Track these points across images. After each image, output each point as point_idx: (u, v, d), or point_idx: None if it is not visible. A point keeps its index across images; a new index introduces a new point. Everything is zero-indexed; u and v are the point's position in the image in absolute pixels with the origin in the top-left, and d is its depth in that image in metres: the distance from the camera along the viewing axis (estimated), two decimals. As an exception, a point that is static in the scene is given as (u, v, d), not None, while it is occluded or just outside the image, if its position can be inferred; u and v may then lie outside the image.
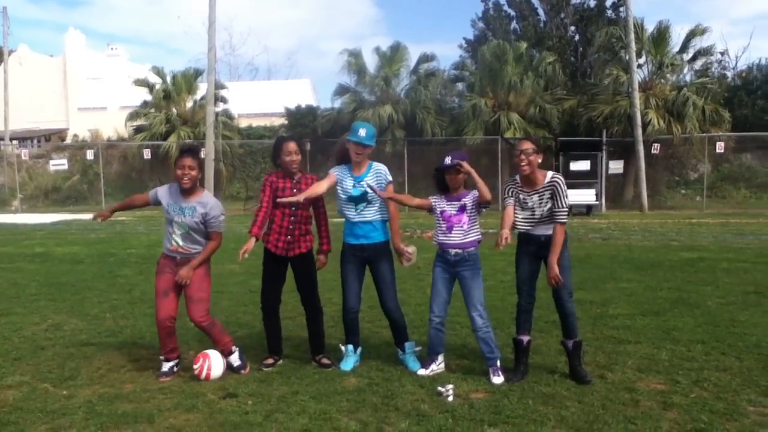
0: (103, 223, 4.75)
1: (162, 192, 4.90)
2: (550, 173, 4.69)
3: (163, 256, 4.90)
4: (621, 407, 4.16)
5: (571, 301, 4.77)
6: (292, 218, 4.95)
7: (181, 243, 4.81)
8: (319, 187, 4.88)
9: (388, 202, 4.95)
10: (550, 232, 4.65)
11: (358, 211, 4.89)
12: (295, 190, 4.94)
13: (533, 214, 4.68)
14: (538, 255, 4.74)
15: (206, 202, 4.83)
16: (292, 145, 4.98)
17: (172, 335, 4.85)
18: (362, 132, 4.85)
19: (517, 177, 4.76)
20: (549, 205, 4.62)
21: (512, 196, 4.75)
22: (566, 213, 4.65)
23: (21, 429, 3.87)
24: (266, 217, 4.94)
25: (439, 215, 4.80)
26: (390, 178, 5.01)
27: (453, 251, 4.75)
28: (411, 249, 5.02)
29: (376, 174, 4.93)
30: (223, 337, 4.97)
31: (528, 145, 4.63)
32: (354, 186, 4.87)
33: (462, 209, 4.75)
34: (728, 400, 4.26)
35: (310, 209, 5.08)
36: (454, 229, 4.74)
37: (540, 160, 4.67)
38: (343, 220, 5.03)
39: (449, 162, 4.73)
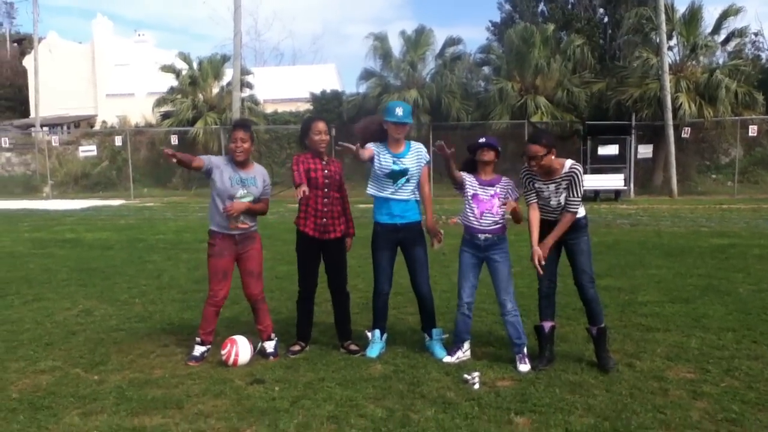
0: (171, 161, 4.67)
1: (218, 161, 4.86)
2: (568, 163, 4.62)
3: (220, 238, 4.85)
4: (650, 396, 4.12)
5: (593, 286, 4.72)
6: (326, 200, 4.94)
7: (242, 218, 4.83)
8: (363, 154, 4.80)
9: (423, 182, 4.96)
10: None
11: (398, 187, 4.87)
12: (326, 171, 4.94)
13: (549, 203, 4.64)
14: (560, 241, 4.69)
15: (261, 171, 4.97)
16: (321, 125, 5.01)
17: (217, 316, 4.98)
18: (399, 111, 4.84)
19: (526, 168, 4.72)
20: (565, 194, 4.57)
21: (532, 190, 4.68)
22: (579, 203, 4.60)
23: (54, 413, 3.95)
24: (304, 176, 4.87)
25: (471, 198, 4.75)
26: (429, 157, 5.05)
27: (483, 236, 4.72)
28: (442, 231, 5.04)
29: (417, 153, 4.96)
30: (267, 318, 5.07)
31: (536, 150, 4.52)
32: (394, 162, 4.85)
33: (494, 195, 4.73)
34: (760, 389, 4.19)
35: (339, 191, 5.08)
36: (485, 214, 4.71)
37: (554, 155, 4.58)
38: (370, 205, 5.02)
39: (483, 141, 4.75)
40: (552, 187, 4.61)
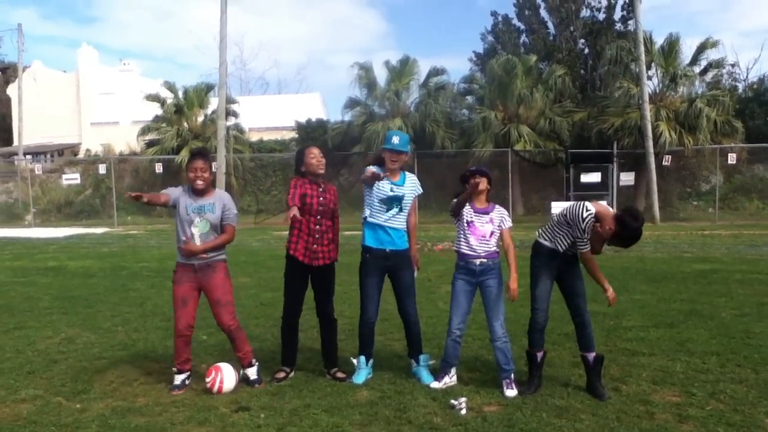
0: (132, 201, 4.72)
1: (178, 192, 4.89)
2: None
3: (180, 267, 4.89)
4: (636, 420, 4.12)
5: (588, 311, 4.76)
6: (318, 227, 4.96)
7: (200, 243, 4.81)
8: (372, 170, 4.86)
9: (410, 212, 5.03)
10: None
11: (391, 215, 4.90)
12: (321, 198, 4.96)
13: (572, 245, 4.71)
14: (559, 269, 4.73)
15: (221, 196, 4.95)
16: (316, 150, 5.07)
17: (188, 345, 4.88)
18: (396, 139, 4.92)
19: (593, 209, 4.54)
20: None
21: (587, 236, 4.59)
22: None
23: (35, 442, 3.88)
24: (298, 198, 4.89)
25: (466, 226, 4.79)
26: (421, 190, 5.13)
27: (478, 261, 4.74)
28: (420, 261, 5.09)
29: (412, 183, 5.04)
30: (245, 345, 5.01)
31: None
32: (391, 188, 4.90)
33: (489, 222, 4.78)
34: (745, 412, 4.21)
35: (332, 219, 5.10)
36: (481, 241, 4.75)
37: None
38: (356, 232, 5.03)
39: (472, 169, 4.83)
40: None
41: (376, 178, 4.78)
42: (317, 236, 4.95)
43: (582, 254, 4.65)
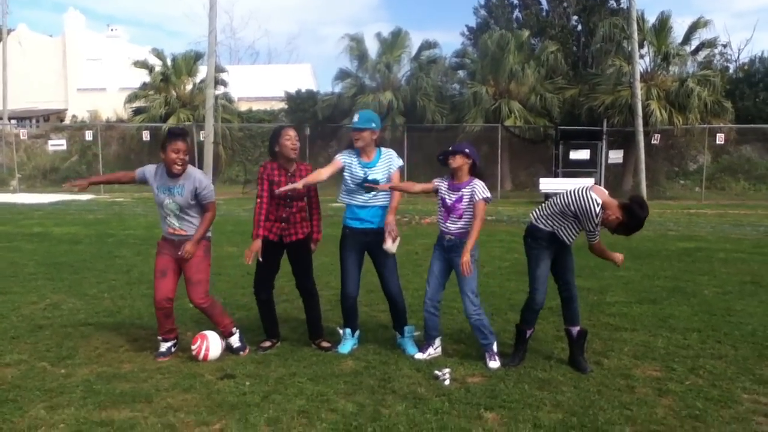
0: (78, 192, 4.71)
1: (149, 172, 4.79)
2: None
3: (163, 238, 4.89)
4: (616, 393, 4.19)
5: (576, 286, 4.80)
6: (287, 209, 4.93)
7: (177, 224, 4.79)
8: (320, 175, 4.84)
9: (394, 178, 4.98)
10: None
11: (370, 196, 4.87)
12: (290, 183, 4.90)
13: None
14: (556, 250, 4.72)
15: (192, 176, 4.75)
16: (292, 132, 4.98)
17: (169, 316, 4.85)
18: (356, 117, 4.88)
19: (599, 199, 4.46)
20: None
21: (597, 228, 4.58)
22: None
23: (20, 407, 3.88)
24: (267, 213, 4.89)
25: (439, 201, 4.79)
26: (400, 162, 5.08)
27: (447, 237, 4.75)
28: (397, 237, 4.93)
29: (387, 160, 4.97)
30: (224, 318, 4.98)
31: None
32: (365, 172, 4.86)
33: (459, 200, 4.71)
34: (723, 387, 4.29)
35: (305, 199, 5.06)
36: (450, 217, 4.74)
37: None
38: (341, 204, 5.01)
39: (449, 148, 4.76)
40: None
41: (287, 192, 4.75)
42: (285, 215, 4.92)
43: (592, 245, 4.65)
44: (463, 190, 4.70)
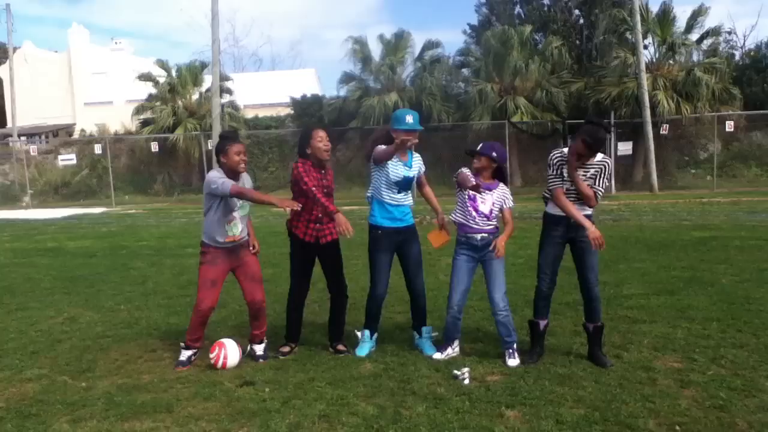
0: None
1: (223, 176, 4.73)
2: (599, 155, 4.63)
3: (213, 248, 4.80)
4: (638, 386, 4.16)
5: (598, 285, 4.75)
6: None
7: (238, 231, 4.83)
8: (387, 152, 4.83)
9: (423, 184, 5.17)
10: (584, 211, 4.61)
11: (402, 195, 4.92)
12: (324, 181, 4.93)
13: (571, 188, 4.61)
14: (565, 237, 4.68)
15: (247, 177, 4.95)
16: (322, 132, 4.98)
17: (205, 325, 4.91)
18: (410, 118, 4.85)
19: (565, 150, 4.60)
20: (590, 183, 4.59)
21: (560, 176, 4.59)
22: (602, 192, 4.65)
23: (43, 421, 3.90)
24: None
25: (468, 200, 4.77)
26: (424, 167, 5.19)
27: (479, 236, 4.74)
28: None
29: (418, 161, 5.07)
30: (265, 323, 5.05)
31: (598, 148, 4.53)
32: (405, 169, 4.90)
33: (491, 199, 4.76)
34: (746, 376, 4.25)
35: None
36: (481, 216, 4.74)
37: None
38: (354, 207, 5.01)
39: (478, 148, 4.78)
40: (590, 171, 4.58)
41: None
42: (320, 217, 4.92)
43: (554, 193, 4.60)
44: (494, 191, 4.75)
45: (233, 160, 4.72)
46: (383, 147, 4.82)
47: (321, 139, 4.92)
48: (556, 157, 4.64)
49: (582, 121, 4.81)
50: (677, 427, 3.55)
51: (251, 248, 5.02)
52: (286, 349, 5.09)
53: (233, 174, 4.75)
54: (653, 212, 15.21)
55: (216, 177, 4.67)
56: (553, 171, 4.64)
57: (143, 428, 3.75)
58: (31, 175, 28.96)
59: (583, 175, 4.57)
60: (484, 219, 4.74)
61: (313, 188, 4.79)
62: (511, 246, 4.86)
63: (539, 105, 24.63)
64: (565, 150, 4.62)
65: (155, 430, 3.72)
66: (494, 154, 4.72)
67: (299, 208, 4.53)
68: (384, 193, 4.91)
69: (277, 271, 8.02)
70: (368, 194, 5.05)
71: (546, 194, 4.78)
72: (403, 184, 4.91)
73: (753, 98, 24.51)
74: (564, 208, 4.57)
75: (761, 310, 5.85)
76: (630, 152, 23.70)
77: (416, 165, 5.04)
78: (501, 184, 4.80)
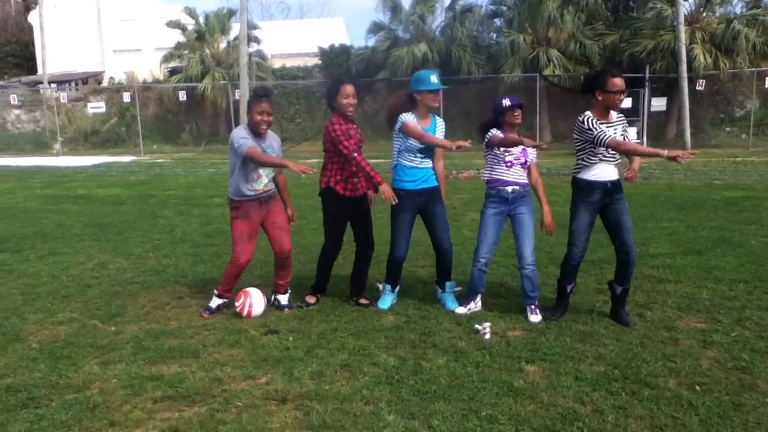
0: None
1: (247, 137, 4.73)
2: (614, 113, 4.54)
3: (245, 203, 4.85)
4: (660, 345, 4.15)
5: (634, 249, 4.64)
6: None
7: (266, 183, 4.87)
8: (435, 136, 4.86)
9: (438, 157, 5.07)
10: (615, 177, 4.51)
11: (425, 158, 4.89)
12: (357, 135, 4.94)
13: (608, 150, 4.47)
14: (600, 204, 4.54)
15: (276, 137, 5.00)
16: (349, 88, 4.91)
17: (237, 278, 5.01)
18: (434, 78, 4.80)
19: (589, 113, 4.44)
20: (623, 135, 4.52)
21: (600, 130, 4.39)
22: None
23: (74, 362, 4.04)
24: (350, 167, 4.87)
25: (501, 153, 4.73)
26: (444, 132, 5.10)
27: (511, 188, 4.72)
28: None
29: (441, 128, 5.00)
30: (290, 273, 5.13)
31: (623, 84, 4.42)
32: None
33: (524, 152, 4.75)
34: (771, 339, 4.21)
35: None
36: (514, 167, 4.71)
37: None
38: (381, 159, 4.99)
39: (509, 103, 4.68)
40: (619, 128, 4.51)
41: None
42: (355, 171, 4.90)
43: (611, 144, 4.33)
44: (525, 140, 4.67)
45: (255, 119, 4.74)
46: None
47: (347, 96, 4.87)
48: (587, 118, 4.42)
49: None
50: (697, 387, 3.55)
51: (288, 218, 5.09)
52: (313, 299, 5.16)
53: (256, 132, 4.77)
54: (684, 171, 14.92)
55: (238, 136, 4.71)
56: (593, 127, 4.38)
57: (170, 372, 3.86)
58: (61, 122, 29.28)
59: (614, 131, 4.48)
60: (516, 170, 4.73)
61: (356, 155, 4.77)
62: (536, 202, 4.82)
63: (572, 58, 24.00)
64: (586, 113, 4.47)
65: (182, 374, 3.83)
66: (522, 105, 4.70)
67: (313, 172, 4.52)
68: (406, 156, 4.87)
69: (302, 223, 8.07)
70: (393, 162, 4.99)
71: (584, 162, 4.57)
72: (426, 150, 4.85)
73: (797, 53, 23.59)
74: (632, 150, 4.46)
75: (791, 272, 5.76)
76: (664, 108, 23.14)
77: (439, 130, 4.97)
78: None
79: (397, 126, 4.81)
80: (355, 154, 4.77)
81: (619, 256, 4.65)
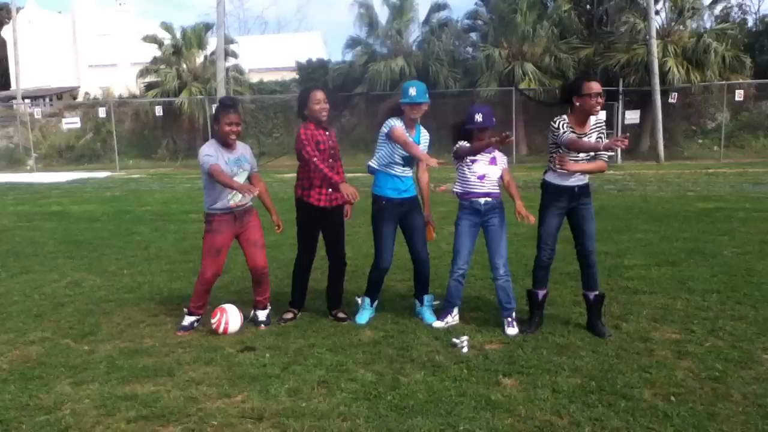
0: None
1: (212, 154, 4.69)
2: (593, 117, 4.61)
3: (218, 216, 4.81)
4: (635, 356, 4.18)
5: (595, 252, 4.75)
6: (331, 170, 4.90)
7: (239, 199, 4.80)
8: (419, 146, 4.86)
9: (423, 171, 5.14)
10: (583, 181, 4.64)
11: (408, 168, 4.93)
12: (330, 142, 4.93)
13: (577, 155, 4.57)
14: (567, 207, 4.66)
15: (245, 147, 4.95)
16: (320, 94, 4.93)
17: (209, 292, 4.95)
18: (412, 91, 4.81)
19: (566, 117, 4.56)
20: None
21: (565, 131, 4.53)
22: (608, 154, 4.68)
23: (45, 383, 3.95)
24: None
25: (471, 163, 4.76)
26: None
27: (483, 200, 4.75)
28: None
29: (425, 138, 5.05)
30: (268, 290, 5.06)
31: (599, 87, 4.50)
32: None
33: (493, 161, 4.79)
34: (743, 348, 4.27)
35: None
36: (486, 178, 4.75)
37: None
38: (359, 174, 5.00)
39: (480, 120, 4.70)
40: (593, 135, 4.58)
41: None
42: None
43: (567, 141, 4.46)
44: (495, 152, 4.80)
45: (223, 129, 4.71)
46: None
47: (318, 102, 4.88)
48: (562, 123, 4.55)
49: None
50: (672, 398, 3.57)
51: (276, 227, 5.09)
52: (289, 315, 5.12)
53: (225, 144, 4.74)
54: (658, 182, 15.14)
55: (203, 153, 4.69)
56: (560, 128, 4.52)
57: (144, 391, 3.80)
58: (35, 138, 28.93)
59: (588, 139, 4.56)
60: (488, 181, 4.77)
61: (315, 159, 4.77)
62: (512, 215, 4.85)
63: (547, 71, 24.32)
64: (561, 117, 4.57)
65: (156, 393, 3.77)
66: (493, 120, 4.73)
67: (256, 194, 4.54)
68: (390, 165, 4.89)
69: (281, 238, 8.00)
70: (370, 163, 5.02)
71: (551, 165, 4.72)
72: (409, 159, 4.88)
73: (764, 66, 24.16)
74: (584, 148, 4.50)
75: (762, 282, 5.85)
76: (637, 121, 23.50)
77: (423, 140, 5.00)
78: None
79: (385, 129, 4.84)
80: (315, 159, 4.76)
81: (578, 258, 4.79)
